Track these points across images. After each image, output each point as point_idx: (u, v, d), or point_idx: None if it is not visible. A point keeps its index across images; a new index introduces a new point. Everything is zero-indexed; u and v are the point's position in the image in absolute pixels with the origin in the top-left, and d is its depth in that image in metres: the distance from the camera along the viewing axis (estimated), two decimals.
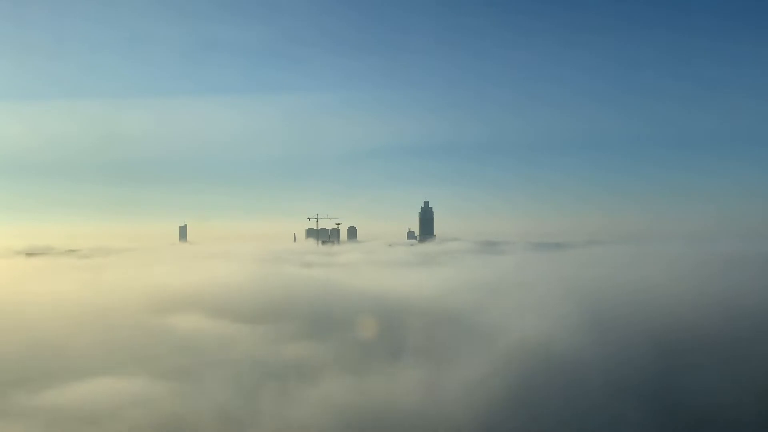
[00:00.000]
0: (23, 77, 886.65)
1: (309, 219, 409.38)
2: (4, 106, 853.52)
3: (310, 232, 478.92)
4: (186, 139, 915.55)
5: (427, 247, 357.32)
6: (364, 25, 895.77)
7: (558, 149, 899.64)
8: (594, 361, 64.69)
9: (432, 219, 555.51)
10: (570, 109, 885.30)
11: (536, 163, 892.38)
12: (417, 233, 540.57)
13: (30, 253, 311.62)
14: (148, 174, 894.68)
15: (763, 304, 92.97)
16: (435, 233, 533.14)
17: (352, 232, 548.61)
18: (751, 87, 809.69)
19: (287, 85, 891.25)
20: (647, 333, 74.60)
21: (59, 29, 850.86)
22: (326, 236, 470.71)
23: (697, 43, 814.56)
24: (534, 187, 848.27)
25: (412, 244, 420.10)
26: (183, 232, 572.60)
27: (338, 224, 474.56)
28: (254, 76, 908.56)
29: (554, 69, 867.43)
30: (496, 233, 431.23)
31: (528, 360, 65.04)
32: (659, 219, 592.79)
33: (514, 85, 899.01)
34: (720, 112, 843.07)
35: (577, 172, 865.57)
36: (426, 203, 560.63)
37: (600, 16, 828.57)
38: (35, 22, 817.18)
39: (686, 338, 73.79)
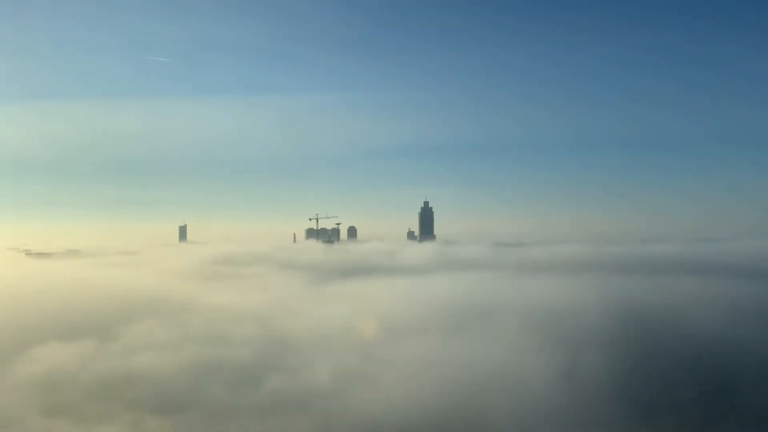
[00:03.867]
0: (23, 78, 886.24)
1: (310, 219, 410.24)
2: (4, 106, 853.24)
3: (310, 232, 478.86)
4: (186, 139, 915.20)
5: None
6: (366, 26, 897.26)
7: (559, 149, 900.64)
8: None
9: (432, 219, 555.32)
10: (571, 109, 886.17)
11: (537, 163, 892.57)
12: (417, 233, 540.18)
13: (30, 253, 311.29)
14: (148, 174, 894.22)
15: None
16: (435, 233, 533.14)
17: (352, 232, 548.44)
18: (744, 90, 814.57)
19: (288, 85, 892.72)
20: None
21: (58, 30, 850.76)
22: (326, 236, 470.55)
23: (694, 46, 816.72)
24: (534, 187, 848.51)
25: (413, 245, 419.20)
26: (183, 232, 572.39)
27: (338, 224, 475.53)
28: (254, 77, 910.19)
29: (556, 70, 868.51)
30: (497, 234, 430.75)
31: None
32: (657, 221, 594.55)
33: (514, 86, 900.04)
34: (713, 115, 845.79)
35: (579, 172, 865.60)
36: (426, 203, 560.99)
37: (602, 18, 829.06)
38: (35, 24, 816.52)
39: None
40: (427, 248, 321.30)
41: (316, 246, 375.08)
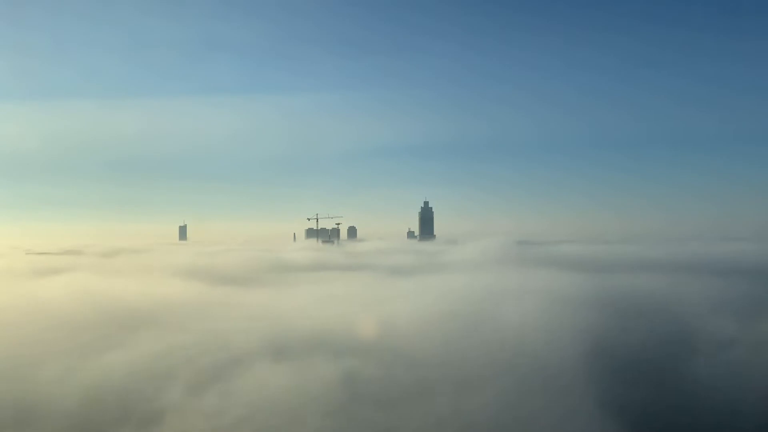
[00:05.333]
0: (23, 77, 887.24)
1: (309, 219, 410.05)
2: (4, 106, 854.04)
3: (310, 232, 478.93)
4: (186, 139, 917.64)
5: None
6: (365, 25, 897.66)
7: (559, 148, 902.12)
8: None
9: (432, 219, 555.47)
10: (570, 107, 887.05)
11: (537, 162, 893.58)
12: (417, 233, 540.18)
13: (30, 252, 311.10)
14: (149, 174, 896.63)
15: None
16: (435, 233, 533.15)
17: (352, 232, 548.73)
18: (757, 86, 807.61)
19: (288, 85, 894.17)
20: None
21: (58, 30, 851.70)
22: (326, 236, 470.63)
23: (704, 41, 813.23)
24: (534, 187, 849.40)
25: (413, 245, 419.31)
26: (183, 231, 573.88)
27: (338, 224, 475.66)
28: (255, 76, 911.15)
29: (555, 68, 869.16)
30: (495, 233, 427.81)
31: None
32: (664, 219, 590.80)
33: (513, 85, 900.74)
34: (725, 112, 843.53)
35: (578, 171, 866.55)
36: (426, 203, 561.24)
37: (602, 14, 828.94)
38: (34, 23, 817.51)
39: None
40: (477, 247, 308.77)
41: (330, 246, 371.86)
